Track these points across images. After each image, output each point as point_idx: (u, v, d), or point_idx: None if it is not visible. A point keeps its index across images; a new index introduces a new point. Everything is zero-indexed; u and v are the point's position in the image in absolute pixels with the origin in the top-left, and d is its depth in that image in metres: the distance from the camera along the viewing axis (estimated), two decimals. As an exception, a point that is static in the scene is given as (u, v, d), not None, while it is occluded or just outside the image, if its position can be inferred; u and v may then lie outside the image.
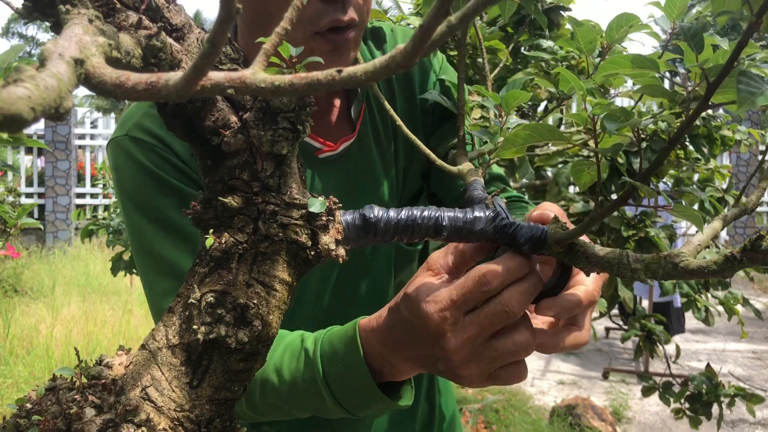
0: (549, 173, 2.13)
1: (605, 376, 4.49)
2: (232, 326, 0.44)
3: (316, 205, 0.47)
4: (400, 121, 0.81)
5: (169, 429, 0.43)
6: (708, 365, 2.03)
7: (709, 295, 2.13)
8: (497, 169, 0.98)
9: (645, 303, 4.56)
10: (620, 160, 1.65)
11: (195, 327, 0.44)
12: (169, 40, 0.43)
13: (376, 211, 0.52)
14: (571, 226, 0.58)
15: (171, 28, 0.45)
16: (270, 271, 0.46)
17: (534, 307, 0.59)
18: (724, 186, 2.19)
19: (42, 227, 1.23)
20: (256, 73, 0.28)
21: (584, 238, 0.55)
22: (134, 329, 4.75)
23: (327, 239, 0.48)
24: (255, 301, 0.45)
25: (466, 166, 0.72)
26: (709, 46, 0.48)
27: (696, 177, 2.15)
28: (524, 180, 1.94)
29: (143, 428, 0.41)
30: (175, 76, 0.27)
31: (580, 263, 0.53)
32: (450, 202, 0.94)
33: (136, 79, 0.27)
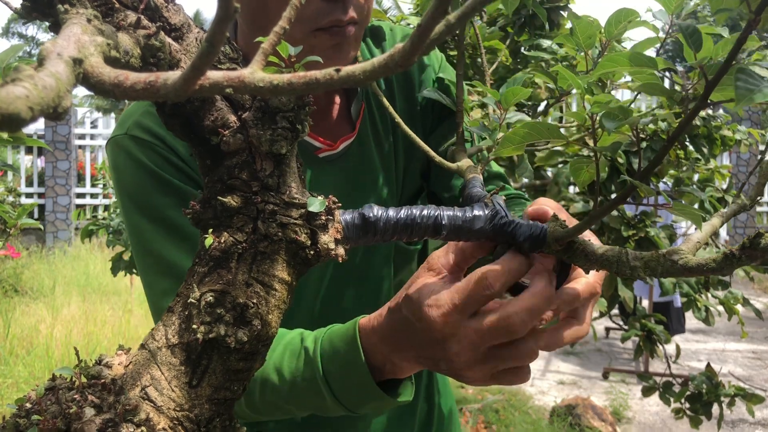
0: (549, 173, 2.13)
1: (605, 376, 4.49)
2: (231, 326, 0.44)
3: (316, 204, 0.47)
4: (398, 118, 0.81)
5: (168, 428, 0.43)
6: (708, 365, 2.03)
7: (709, 295, 2.13)
8: (497, 168, 0.98)
9: (645, 303, 4.56)
10: (620, 160, 1.65)
11: (194, 326, 0.44)
12: (168, 40, 0.43)
13: (376, 211, 0.52)
14: (570, 220, 0.59)
15: (170, 27, 0.45)
16: (269, 270, 0.46)
17: None
18: (724, 186, 2.19)
19: (42, 227, 1.23)
20: (254, 73, 0.28)
21: (588, 233, 0.55)
22: (134, 329, 4.75)
23: (326, 238, 0.48)
24: (254, 301, 0.45)
25: (465, 163, 0.72)
26: (708, 39, 0.48)
27: (696, 177, 2.15)
28: (524, 180, 1.94)
29: (143, 428, 0.41)
30: (173, 75, 0.27)
31: (580, 261, 0.53)
32: (449, 200, 0.94)
33: (135, 78, 0.27)
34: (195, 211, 0.47)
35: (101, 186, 5.73)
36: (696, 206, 1.83)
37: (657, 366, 4.41)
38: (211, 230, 0.46)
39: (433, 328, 0.55)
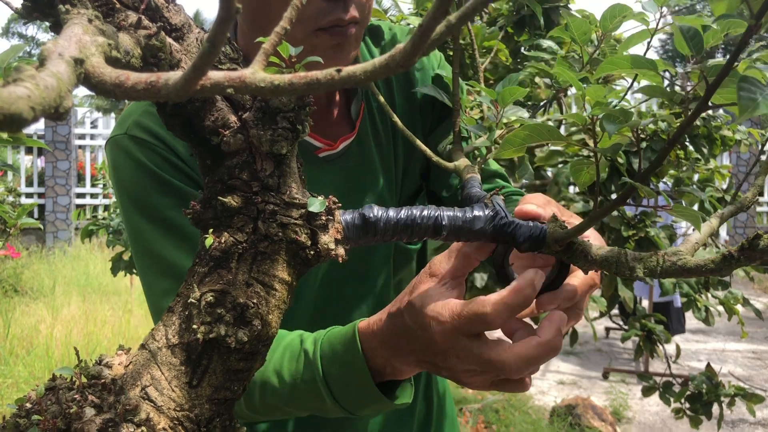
0: (549, 173, 2.13)
1: (605, 376, 4.49)
2: (231, 326, 0.44)
3: (316, 204, 0.47)
4: (395, 117, 0.80)
5: (168, 428, 0.43)
6: (708, 365, 2.03)
7: (709, 295, 2.13)
8: (496, 166, 0.97)
9: (645, 303, 4.56)
10: (620, 160, 1.65)
11: (195, 326, 0.44)
12: (169, 40, 0.43)
13: (376, 211, 0.52)
14: (561, 210, 0.59)
15: (170, 27, 0.45)
16: (269, 270, 0.46)
17: (535, 302, 0.59)
18: (724, 186, 2.19)
19: (42, 227, 1.23)
20: (255, 73, 0.28)
21: (591, 231, 0.56)
22: (134, 329, 4.75)
23: (326, 239, 0.48)
24: (254, 301, 0.45)
25: (462, 162, 0.72)
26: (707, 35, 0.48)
27: (696, 177, 2.15)
28: (524, 180, 1.94)
29: (143, 428, 0.41)
30: (174, 75, 0.27)
31: (579, 262, 0.53)
32: (449, 199, 0.94)
33: (136, 78, 0.27)
34: (195, 211, 0.47)
35: (101, 186, 5.73)
36: (696, 206, 1.83)
37: (657, 366, 4.40)
38: (211, 230, 0.46)
39: (434, 339, 0.56)
